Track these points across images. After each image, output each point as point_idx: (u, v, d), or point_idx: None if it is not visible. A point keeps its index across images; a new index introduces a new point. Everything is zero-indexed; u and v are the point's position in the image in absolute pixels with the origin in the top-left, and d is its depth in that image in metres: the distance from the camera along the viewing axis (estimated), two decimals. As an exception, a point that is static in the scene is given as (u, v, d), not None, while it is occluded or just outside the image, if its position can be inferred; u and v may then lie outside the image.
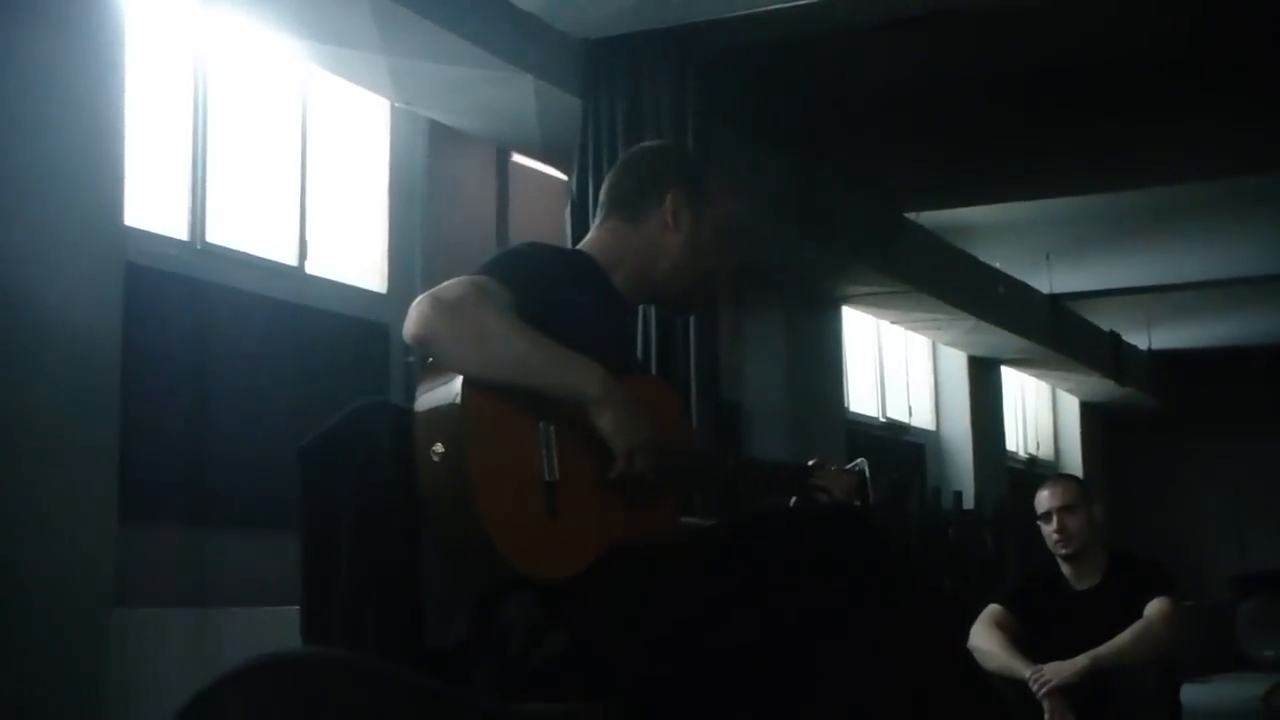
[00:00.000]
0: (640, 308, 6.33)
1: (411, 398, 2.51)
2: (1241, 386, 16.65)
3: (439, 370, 2.45)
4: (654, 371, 6.45)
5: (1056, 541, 4.93)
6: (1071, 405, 16.74)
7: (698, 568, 2.44)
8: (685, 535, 2.61)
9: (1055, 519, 4.92)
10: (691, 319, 6.62)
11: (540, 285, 2.57)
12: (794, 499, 2.89)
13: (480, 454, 2.38)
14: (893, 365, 12.36)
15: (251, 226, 5.99)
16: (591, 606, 2.40)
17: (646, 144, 3.13)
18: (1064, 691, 4.61)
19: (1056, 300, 13.34)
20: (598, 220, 2.91)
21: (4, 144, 4.44)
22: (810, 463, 2.92)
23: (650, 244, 2.83)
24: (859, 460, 2.98)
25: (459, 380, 2.40)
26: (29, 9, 4.53)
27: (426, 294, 2.45)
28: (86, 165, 4.70)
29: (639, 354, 6.49)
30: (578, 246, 2.90)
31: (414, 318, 2.43)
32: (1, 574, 4.24)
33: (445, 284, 2.47)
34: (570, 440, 2.46)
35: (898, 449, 11.96)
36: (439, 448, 2.38)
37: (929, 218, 10.90)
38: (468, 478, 2.35)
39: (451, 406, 2.39)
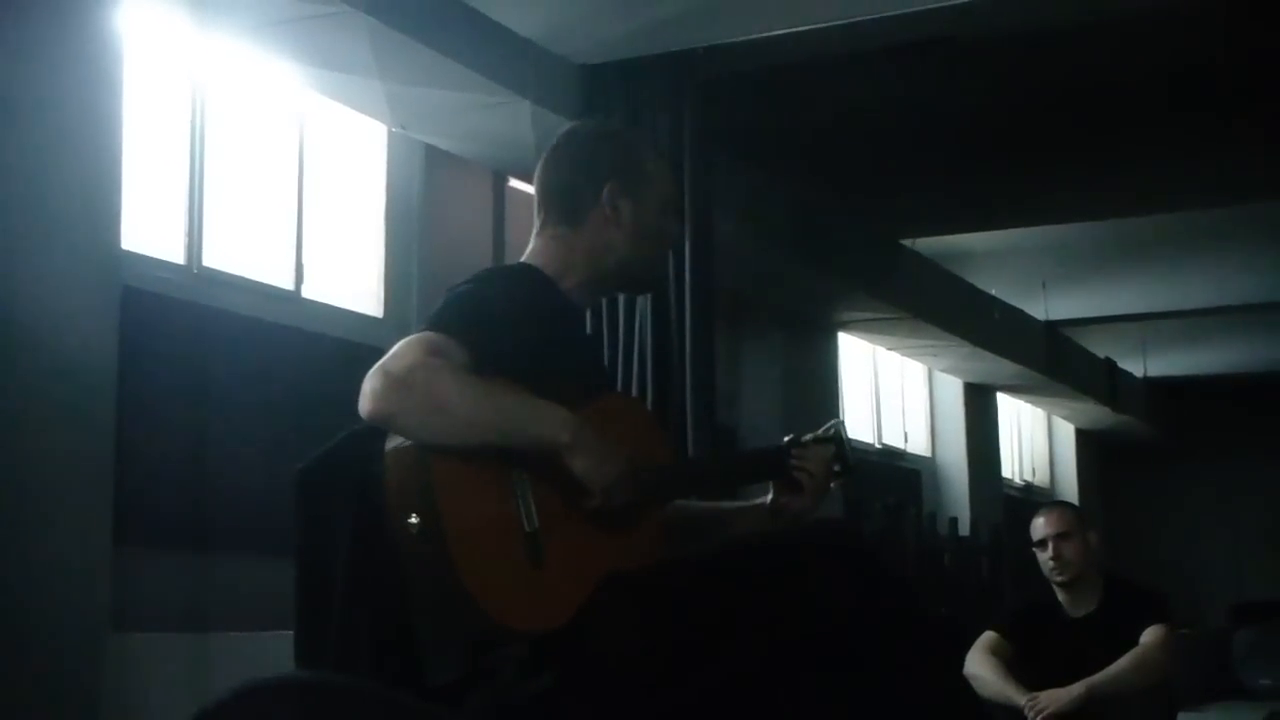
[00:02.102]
0: (637, 321, 6.44)
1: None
2: (1237, 414, 16.65)
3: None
4: (650, 396, 6.45)
5: (1052, 569, 4.93)
6: (1067, 432, 16.74)
7: (692, 596, 2.43)
8: (678, 561, 2.59)
9: (1051, 546, 4.91)
10: (688, 346, 6.61)
11: (494, 328, 2.49)
12: (773, 486, 2.85)
13: (457, 518, 2.32)
14: (889, 391, 12.37)
15: (248, 251, 6.00)
16: (585, 641, 2.38)
17: (572, 130, 2.93)
18: (1060, 719, 4.61)
19: (1052, 327, 13.36)
20: (537, 226, 2.81)
21: (2, 168, 4.44)
22: (786, 439, 2.86)
23: (595, 243, 2.75)
24: (831, 423, 2.92)
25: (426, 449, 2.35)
26: (28, 34, 4.54)
27: (377, 367, 2.37)
28: (84, 189, 4.71)
29: (635, 379, 6.49)
30: (524, 258, 2.80)
31: (367, 394, 2.36)
32: (-4, 598, 4.24)
33: (395, 350, 2.40)
34: (545, 481, 2.42)
35: (893, 475, 11.95)
36: (414, 519, 2.32)
37: (925, 244, 10.92)
38: (448, 547, 2.29)
39: (421, 473, 2.34)
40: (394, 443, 2.38)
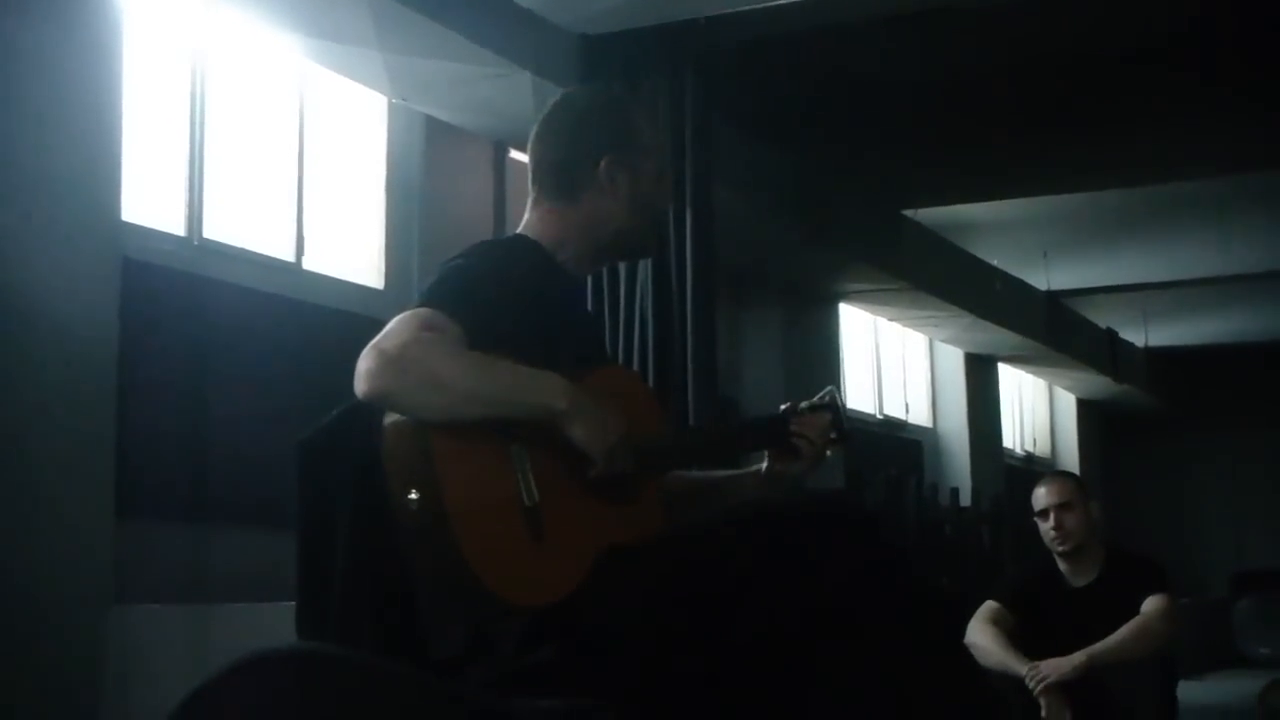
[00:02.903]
0: (638, 293, 6.44)
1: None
2: (1238, 383, 16.66)
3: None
4: (651, 369, 6.45)
5: (1054, 539, 4.94)
6: (1068, 402, 16.74)
7: (694, 566, 2.43)
8: (679, 532, 2.60)
9: (1052, 516, 4.93)
10: (689, 318, 6.61)
11: (487, 302, 2.49)
12: (769, 454, 2.86)
13: (457, 494, 2.32)
14: (890, 362, 12.36)
15: (249, 222, 5.99)
16: (588, 612, 2.38)
17: (565, 99, 2.92)
18: (1061, 688, 4.62)
19: (1054, 297, 13.35)
20: (532, 197, 2.79)
21: (1, 139, 4.43)
22: (783, 408, 2.87)
23: (592, 216, 2.74)
24: (826, 390, 2.92)
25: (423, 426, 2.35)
26: (27, 5, 4.53)
27: (371, 346, 2.37)
28: (84, 160, 4.70)
29: (636, 351, 6.49)
30: (520, 229, 2.79)
31: (362, 374, 2.35)
32: (-2, 570, 4.25)
33: (388, 329, 2.39)
34: (544, 454, 2.42)
35: (895, 446, 11.96)
36: (414, 495, 2.33)
37: (926, 215, 10.90)
38: (448, 523, 2.30)
39: (420, 449, 2.34)
40: (392, 419, 2.38)
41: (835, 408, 2.87)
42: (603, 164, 2.73)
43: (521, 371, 2.42)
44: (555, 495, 2.41)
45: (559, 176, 2.76)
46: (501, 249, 2.76)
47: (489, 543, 2.33)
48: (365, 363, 2.36)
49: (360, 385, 2.36)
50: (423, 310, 2.43)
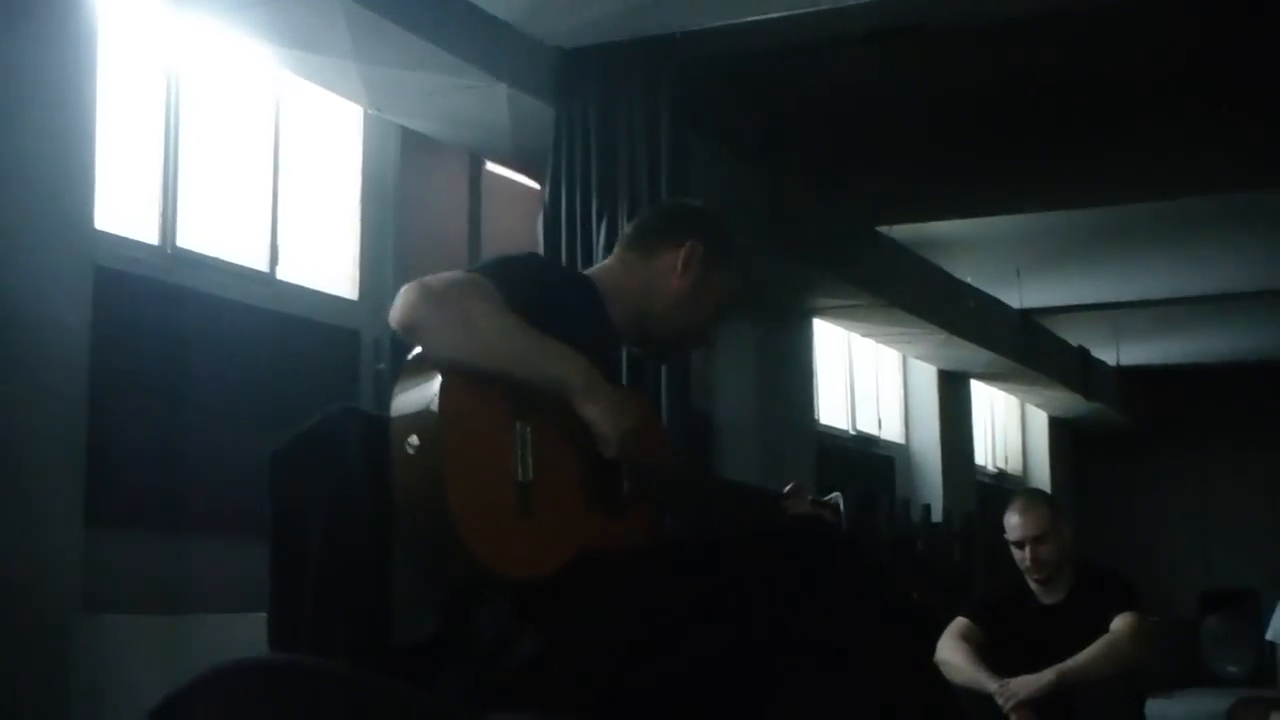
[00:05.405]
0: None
1: (382, 405, 2.49)
2: (1209, 402, 16.72)
3: (419, 369, 2.43)
4: (625, 382, 6.44)
5: (1029, 568, 4.93)
6: (1040, 420, 16.79)
7: (667, 579, 2.44)
8: (656, 546, 2.61)
9: (1029, 548, 4.90)
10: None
11: (532, 291, 2.57)
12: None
13: (456, 449, 2.36)
14: (863, 378, 12.38)
15: (223, 231, 5.97)
16: (560, 613, 2.39)
17: (699, 203, 3.17)
18: (1030, 705, 4.63)
19: (1026, 315, 13.38)
20: (616, 250, 2.95)
21: (-25, 146, 4.42)
22: (787, 488, 2.93)
23: (652, 282, 2.86)
24: (834, 494, 2.98)
25: (438, 379, 2.38)
26: (1, 13, 4.51)
27: (415, 281, 2.44)
28: (57, 168, 4.69)
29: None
30: (586, 271, 2.94)
31: (400, 304, 2.42)
32: (-33, 578, 4.22)
33: (436, 275, 2.49)
34: (549, 442, 2.45)
35: (867, 461, 11.98)
36: (414, 439, 2.36)
37: (901, 231, 10.92)
38: (441, 472, 2.33)
39: (430, 401, 2.38)
40: (402, 397, 2.42)
41: (837, 511, 2.92)
42: (687, 245, 2.86)
43: (550, 341, 2.48)
44: (551, 482, 2.45)
45: (648, 234, 2.93)
46: (559, 269, 2.88)
47: (477, 503, 2.36)
48: (406, 295, 2.43)
49: (396, 314, 2.43)
50: (470, 273, 2.54)
